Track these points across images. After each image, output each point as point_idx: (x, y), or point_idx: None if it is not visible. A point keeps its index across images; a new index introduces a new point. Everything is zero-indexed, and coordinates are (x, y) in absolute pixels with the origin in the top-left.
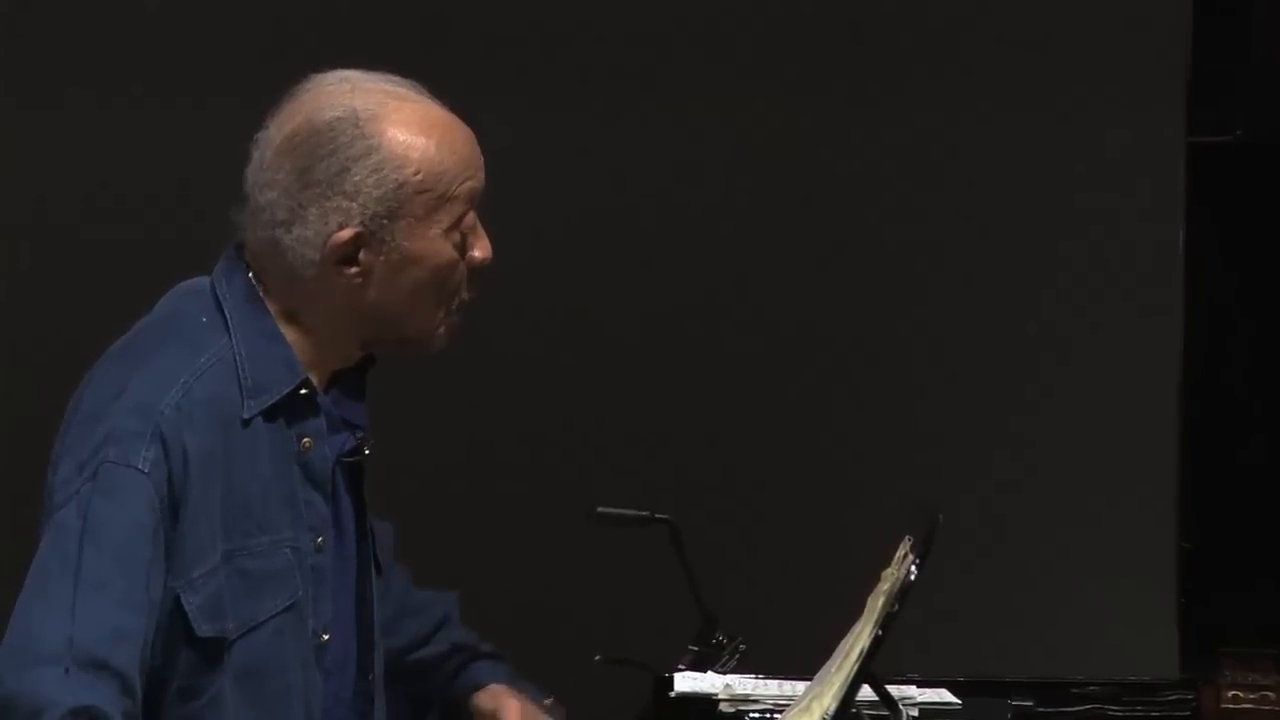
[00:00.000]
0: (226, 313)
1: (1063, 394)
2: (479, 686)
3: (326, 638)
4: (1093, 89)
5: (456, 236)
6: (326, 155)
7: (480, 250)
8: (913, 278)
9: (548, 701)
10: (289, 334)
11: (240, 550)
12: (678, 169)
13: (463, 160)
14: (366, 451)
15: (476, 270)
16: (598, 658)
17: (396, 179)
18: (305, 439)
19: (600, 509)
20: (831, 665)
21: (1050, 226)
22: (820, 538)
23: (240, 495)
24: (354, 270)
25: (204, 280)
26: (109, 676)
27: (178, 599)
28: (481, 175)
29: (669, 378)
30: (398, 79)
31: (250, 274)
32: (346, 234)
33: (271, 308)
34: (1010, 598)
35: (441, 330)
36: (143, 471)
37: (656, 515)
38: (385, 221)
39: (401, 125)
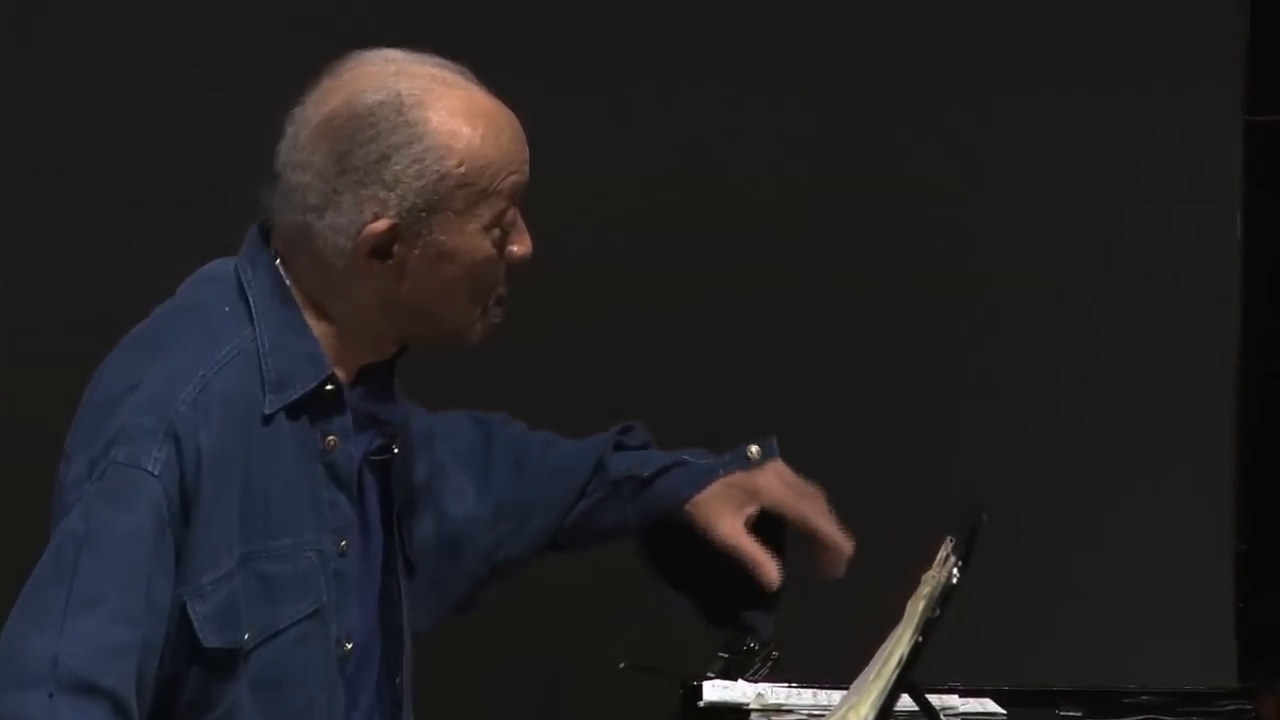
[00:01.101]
0: (251, 301)
1: (1113, 387)
2: (674, 504)
3: (349, 645)
4: (1147, 66)
5: (496, 233)
6: (366, 141)
7: (520, 246)
8: (958, 265)
9: (753, 450)
10: (315, 326)
11: (259, 553)
12: (712, 161)
13: (507, 154)
14: (395, 450)
15: (514, 266)
16: (623, 665)
17: (438, 170)
18: (330, 437)
19: None
20: (869, 673)
21: (1101, 209)
22: (858, 539)
23: (259, 495)
24: (387, 263)
25: (228, 265)
26: (98, 698)
27: (184, 607)
28: (526, 170)
29: (700, 376)
30: (444, 62)
31: (277, 260)
32: (381, 225)
33: (298, 297)
34: (1058, 602)
35: (478, 325)
36: (152, 474)
37: None
38: (423, 215)
39: (446, 114)
